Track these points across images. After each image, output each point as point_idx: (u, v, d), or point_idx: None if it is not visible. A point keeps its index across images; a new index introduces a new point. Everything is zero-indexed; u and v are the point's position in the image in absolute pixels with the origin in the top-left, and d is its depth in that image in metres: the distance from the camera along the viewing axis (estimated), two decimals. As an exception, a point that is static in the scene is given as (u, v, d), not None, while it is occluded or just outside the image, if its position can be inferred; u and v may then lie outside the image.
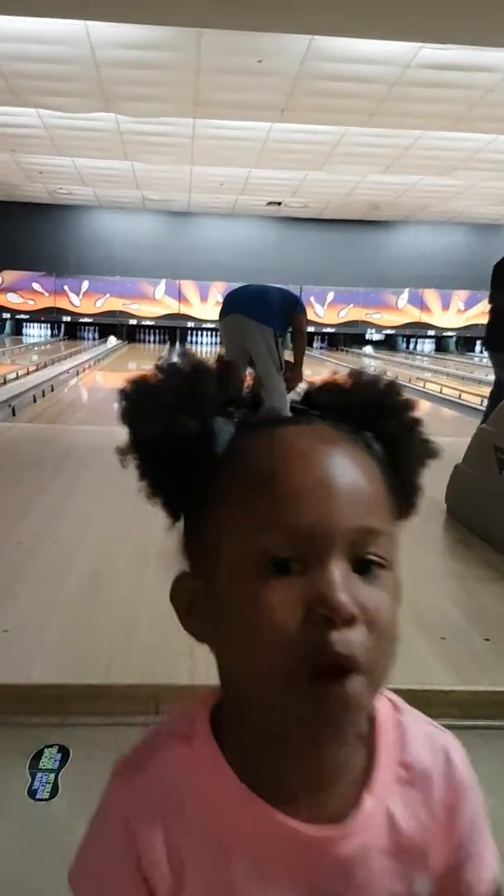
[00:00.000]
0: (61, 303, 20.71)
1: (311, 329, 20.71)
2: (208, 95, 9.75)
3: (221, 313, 5.52)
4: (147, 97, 9.93)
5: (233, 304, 5.47)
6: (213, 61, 8.55)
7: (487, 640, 2.33)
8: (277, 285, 5.88)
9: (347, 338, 21.67)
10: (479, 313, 21.52)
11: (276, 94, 9.68)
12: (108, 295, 20.69)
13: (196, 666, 2.04)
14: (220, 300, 22.90)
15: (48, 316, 20.79)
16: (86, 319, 20.95)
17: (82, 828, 1.46)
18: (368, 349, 21.40)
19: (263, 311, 5.30)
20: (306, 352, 5.74)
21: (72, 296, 20.72)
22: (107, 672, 1.97)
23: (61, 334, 20.95)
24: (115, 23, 7.49)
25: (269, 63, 8.58)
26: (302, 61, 8.50)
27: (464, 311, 21.52)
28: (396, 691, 2.11)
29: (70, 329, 21.06)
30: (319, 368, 15.57)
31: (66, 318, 20.88)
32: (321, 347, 21.42)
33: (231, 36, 7.84)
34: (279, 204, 18.98)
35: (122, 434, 0.67)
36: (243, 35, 7.79)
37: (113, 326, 20.87)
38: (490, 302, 5.03)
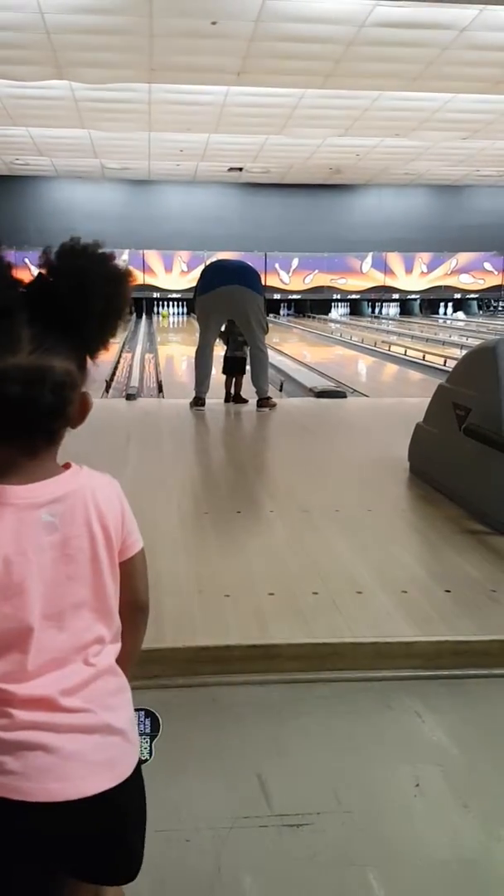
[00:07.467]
0: (23, 277, 20.32)
1: (276, 296, 20.60)
2: (163, 59, 9.60)
3: (209, 284, 5.62)
4: (101, 63, 9.76)
5: (224, 275, 5.65)
6: (166, 24, 8.41)
7: (448, 591, 2.38)
8: (242, 253, 5.97)
9: (314, 304, 21.64)
10: (442, 275, 21.58)
11: (232, 57, 9.55)
12: (70, 267, 20.38)
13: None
14: (185, 269, 22.33)
15: (10, 290, 20.46)
16: (50, 294, 20.64)
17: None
18: (334, 314, 21.37)
19: (253, 281, 5.66)
20: (273, 319, 6.01)
21: (34, 270, 20.33)
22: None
23: (25, 309, 20.63)
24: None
25: (224, 25, 8.46)
26: (256, 22, 8.39)
27: (427, 274, 21.56)
28: (359, 644, 2.12)
29: (34, 303, 20.74)
30: (287, 335, 15.55)
31: (29, 293, 20.57)
32: (288, 314, 21.35)
33: (183, -2, 7.72)
34: (240, 170, 18.80)
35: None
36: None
37: (77, 299, 20.60)
38: None
